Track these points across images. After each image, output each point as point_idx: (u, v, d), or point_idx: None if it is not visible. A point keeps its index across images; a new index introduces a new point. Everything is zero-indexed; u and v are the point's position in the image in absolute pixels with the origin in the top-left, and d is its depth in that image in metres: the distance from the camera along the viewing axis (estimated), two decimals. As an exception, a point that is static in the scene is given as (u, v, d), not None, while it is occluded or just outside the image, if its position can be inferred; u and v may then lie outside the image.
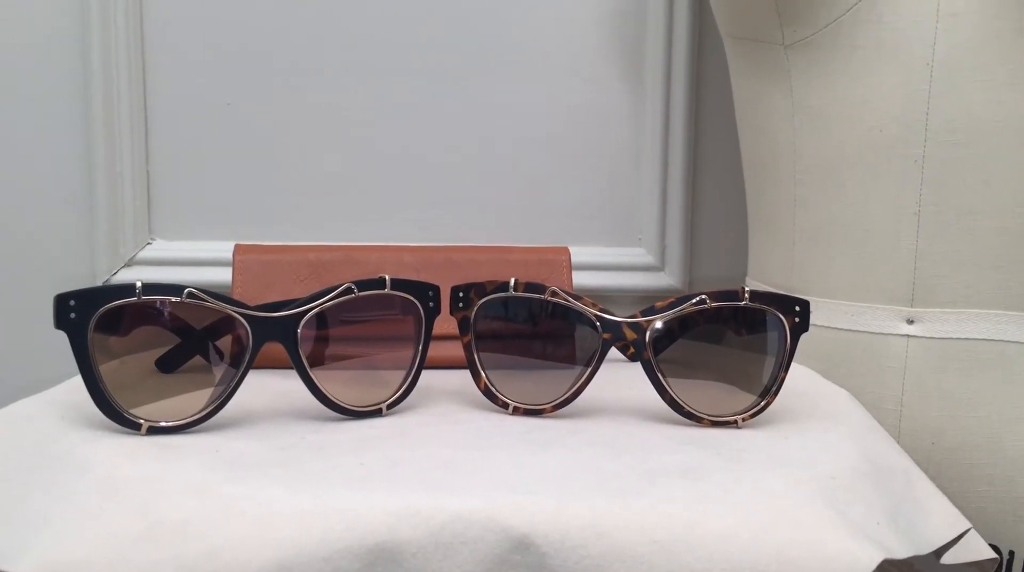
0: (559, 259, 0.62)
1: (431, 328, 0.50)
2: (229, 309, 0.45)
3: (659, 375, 0.48)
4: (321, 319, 0.48)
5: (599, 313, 0.48)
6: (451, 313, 0.50)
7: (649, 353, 0.48)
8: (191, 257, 0.83)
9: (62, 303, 0.43)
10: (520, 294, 0.49)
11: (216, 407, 0.45)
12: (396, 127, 0.84)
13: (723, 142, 0.86)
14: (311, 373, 0.47)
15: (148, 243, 0.84)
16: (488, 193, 0.85)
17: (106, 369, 0.44)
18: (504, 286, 0.49)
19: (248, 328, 0.45)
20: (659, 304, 0.48)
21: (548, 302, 0.49)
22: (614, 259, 0.87)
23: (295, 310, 0.46)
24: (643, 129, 0.85)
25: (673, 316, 0.48)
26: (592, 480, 0.39)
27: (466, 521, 0.36)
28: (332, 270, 0.61)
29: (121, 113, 0.81)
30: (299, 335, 0.46)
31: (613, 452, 0.43)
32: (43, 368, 0.82)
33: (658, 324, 0.48)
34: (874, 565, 0.35)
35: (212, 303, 0.44)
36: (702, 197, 0.88)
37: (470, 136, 0.84)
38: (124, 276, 0.82)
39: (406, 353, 0.50)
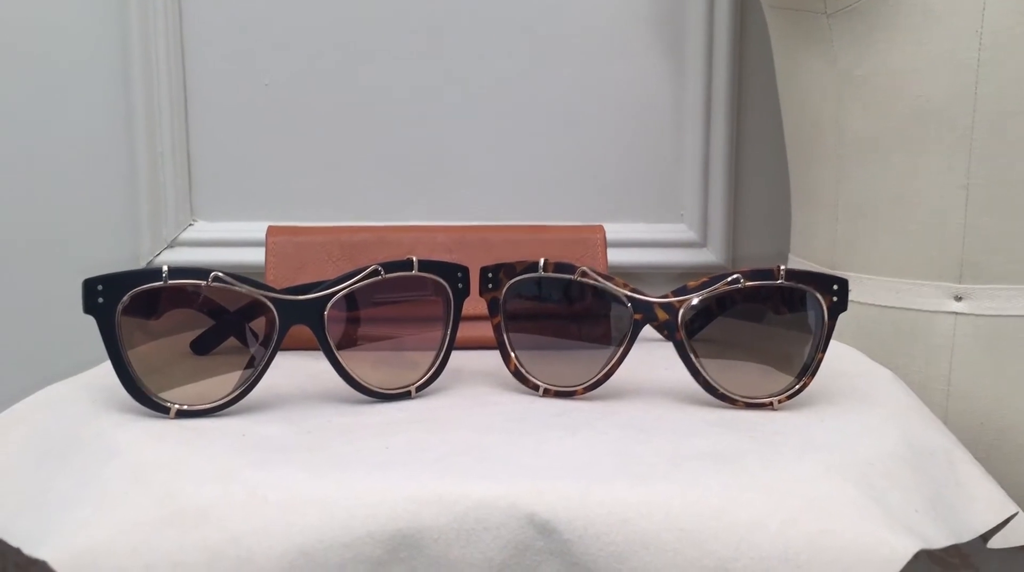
0: (594, 238, 0.61)
1: (460, 310, 0.50)
2: (256, 293, 0.45)
3: (692, 356, 0.47)
4: (349, 301, 0.47)
5: (630, 293, 0.47)
6: (480, 294, 0.50)
7: (681, 334, 0.46)
8: (233, 238, 0.84)
9: (90, 288, 0.43)
10: (550, 274, 0.48)
11: (244, 390, 0.45)
12: (432, 106, 0.83)
13: (767, 115, 0.84)
14: (339, 355, 0.47)
15: (190, 224, 0.84)
16: (525, 171, 0.84)
17: (135, 353, 0.44)
18: (534, 266, 0.48)
19: (275, 311, 0.45)
20: (691, 283, 0.47)
21: (578, 282, 0.48)
22: (656, 236, 0.86)
23: (321, 293, 0.46)
24: (684, 103, 0.84)
25: (706, 296, 0.46)
26: (619, 465, 0.39)
27: (489, 507, 0.36)
28: (365, 251, 0.60)
29: (161, 94, 0.81)
30: (326, 318, 0.46)
31: (643, 435, 0.42)
32: (84, 351, 0.83)
33: (691, 304, 0.46)
34: (909, 556, 0.34)
35: (239, 287, 0.44)
36: (746, 171, 0.86)
37: (506, 113, 0.83)
38: (167, 257, 0.83)
39: (435, 335, 0.50)
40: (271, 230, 0.61)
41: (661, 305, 0.47)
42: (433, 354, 0.50)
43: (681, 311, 0.46)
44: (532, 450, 0.40)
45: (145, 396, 0.44)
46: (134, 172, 0.82)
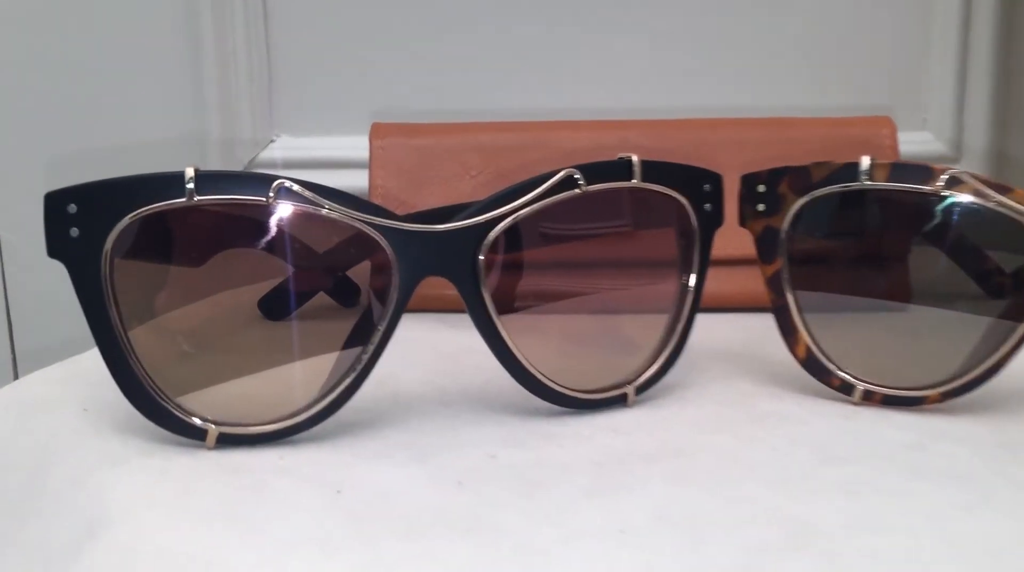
0: (878, 135, 0.40)
1: (709, 247, 0.29)
2: (359, 218, 0.25)
3: None
4: (515, 235, 0.27)
5: (1051, 218, 0.25)
6: (742, 222, 0.29)
7: None
8: (327, 157, 0.68)
9: (55, 210, 0.23)
10: (881, 185, 0.27)
11: (339, 397, 0.25)
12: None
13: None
14: (503, 330, 0.26)
15: (271, 141, 0.69)
16: (724, 52, 0.64)
17: (141, 330, 0.24)
18: (850, 170, 0.27)
19: (392, 252, 0.25)
20: None
21: (943, 199, 0.26)
22: (888, 148, 0.66)
23: (474, 220, 0.25)
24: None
25: None
26: None
27: None
28: (517, 159, 0.42)
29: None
30: (481, 265, 0.26)
31: None
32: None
33: None
34: None
35: (328, 209, 0.24)
36: (1021, 58, 0.64)
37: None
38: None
39: (666, 292, 0.29)
40: (376, 129, 0.44)
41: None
42: (663, 328, 0.29)
43: None
44: (919, 537, 0.19)
45: (162, 409, 0.24)
46: (200, 76, 0.67)
